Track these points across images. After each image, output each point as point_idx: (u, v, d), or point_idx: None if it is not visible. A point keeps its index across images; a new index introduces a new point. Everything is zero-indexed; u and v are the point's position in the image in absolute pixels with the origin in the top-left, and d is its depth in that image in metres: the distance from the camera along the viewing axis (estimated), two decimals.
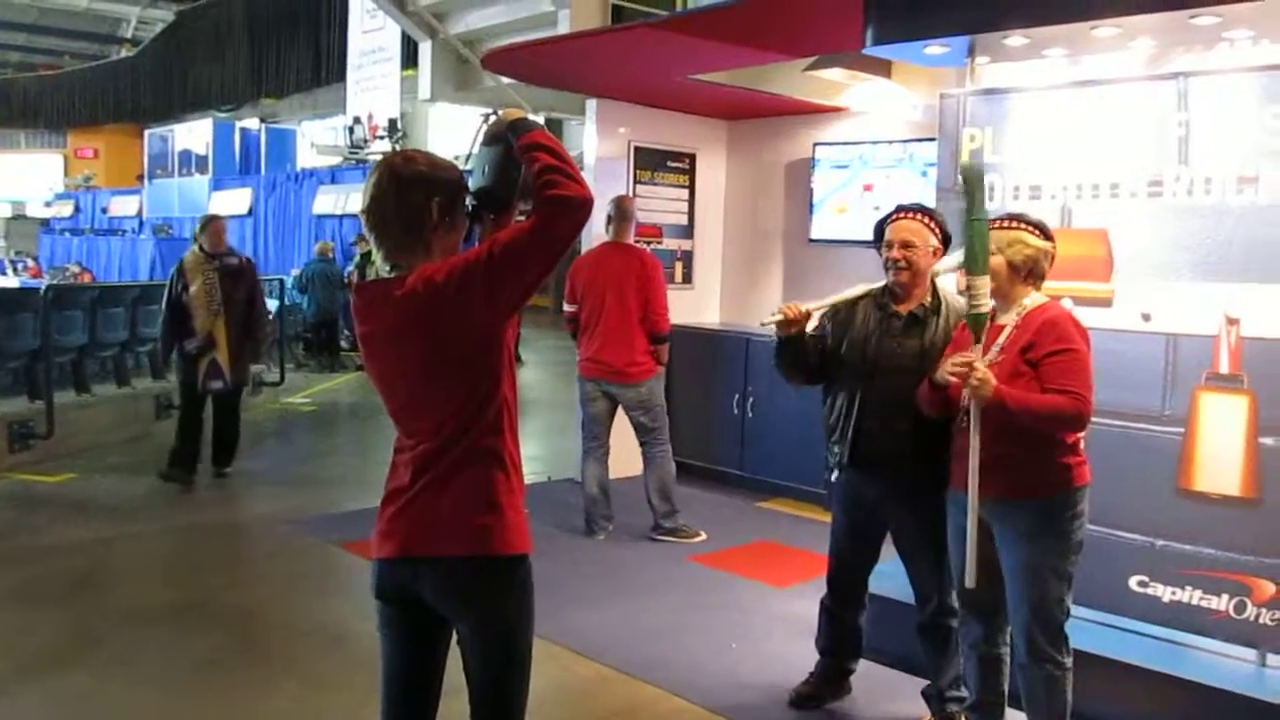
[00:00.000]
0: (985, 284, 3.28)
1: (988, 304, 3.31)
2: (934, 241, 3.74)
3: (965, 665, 3.69)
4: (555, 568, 5.59)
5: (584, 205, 2.16)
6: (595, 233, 6.82)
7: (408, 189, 2.26)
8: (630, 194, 7.62)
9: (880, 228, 3.84)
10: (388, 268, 2.30)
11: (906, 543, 3.84)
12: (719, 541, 6.23)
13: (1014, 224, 3.40)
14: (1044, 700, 3.41)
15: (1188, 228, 3.89)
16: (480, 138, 2.36)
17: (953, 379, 3.34)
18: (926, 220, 3.76)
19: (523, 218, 2.24)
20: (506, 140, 2.28)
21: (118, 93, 28.93)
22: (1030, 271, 3.37)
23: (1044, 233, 3.40)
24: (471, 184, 2.36)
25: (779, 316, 3.74)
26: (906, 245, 3.71)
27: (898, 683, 4.22)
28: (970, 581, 3.37)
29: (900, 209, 3.81)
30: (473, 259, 2.18)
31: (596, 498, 6.31)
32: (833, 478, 3.87)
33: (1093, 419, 3.33)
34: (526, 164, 2.21)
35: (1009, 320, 3.38)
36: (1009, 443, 3.30)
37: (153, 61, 27.48)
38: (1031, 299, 3.38)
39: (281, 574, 5.63)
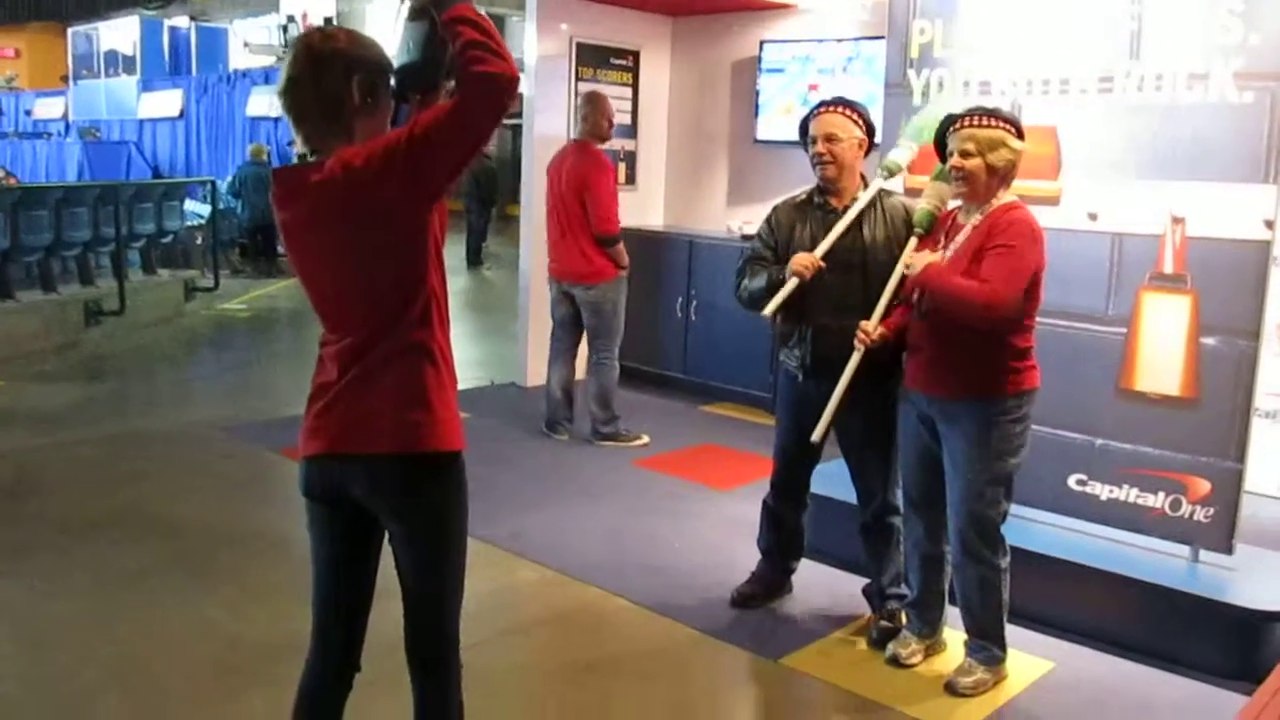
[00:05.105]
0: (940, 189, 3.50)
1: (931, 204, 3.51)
2: (857, 133, 3.72)
3: (907, 563, 3.71)
4: (497, 471, 5.55)
5: (509, 83, 2.03)
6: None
7: (326, 68, 2.11)
8: (572, 92, 7.44)
9: (805, 124, 3.80)
10: (307, 152, 2.17)
11: (853, 441, 3.83)
12: (662, 445, 6.21)
13: (995, 123, 3.28)
14: (978, 600, 3.46)
15: (1137, 125, 3.84)
16: (404, 13, 2.21)
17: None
18: (848, 112, 3.72)
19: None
20: (431, 15, 2.13)
21: None
22: (1006, 175, 3.30)
23: (1019, 132, 3.31)
24: (395, 62, 2.22)
25: (802, 276, 3.60)
26: (830, 139, 3.68)
27: (839, 581, 4.26)
28: (816, 438, 3.54)
29: (822, 103, 3.79)
30: (392, 141, 2.05)
31: (559, 400, 6.31)
32: (798, 380, 3.82)
33: (1038, 319, 3.32)
34: (451, 39, 2.06)
35: (970, 221, 3.34)
36: (953, 343, 3.29)
37: None
38: (997, 200, 3.32)
39: (217, 481, 5.52)
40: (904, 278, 3.46)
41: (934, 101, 4.14)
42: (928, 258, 3.31)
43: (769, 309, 3.63)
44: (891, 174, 3.74)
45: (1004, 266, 3.18)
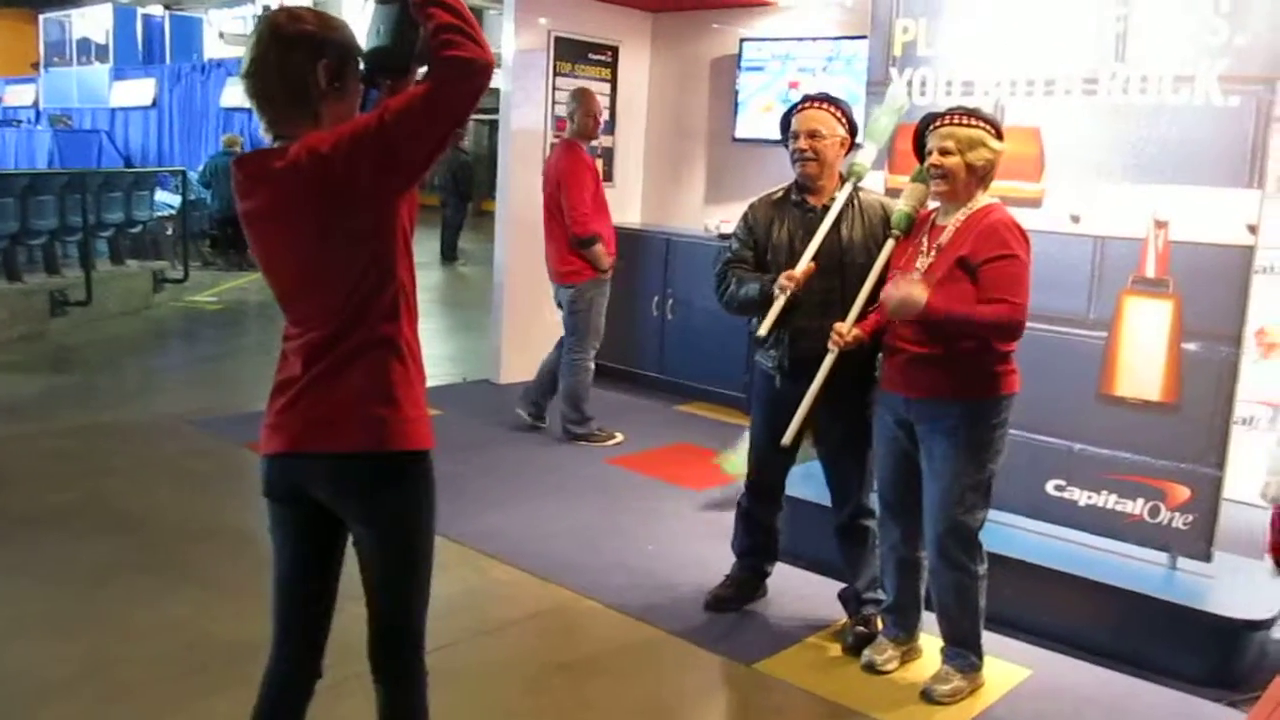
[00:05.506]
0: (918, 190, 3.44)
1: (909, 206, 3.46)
2: (841, 131, 3.69)
3: (883, 567, 3.67)
4: (468, 470, 5.48)
5: (484, 68, 1.94)
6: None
7: (291, 50, 2.02)
8: (550, 87, 7.37)
9: (786, 119, 3.76)
10: (271, 138, 2.08)
11: (830, 444, 3.78)
12: (637, 444, 6.15)
13: (975, 122, 3.24)
14: (955, 606, 3.42)
15: (1121, 127, 3.80)
16: None
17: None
18: (832, 109, 3.70)
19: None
20: None
21: None
22: (985, 176, 3.27)
23: (999, 132, 3.27)
24: (365, 45, 2.13)
25: (787, 292, 3.53)
26: (813, 135, 3.65)
27: (814, 585, 4.20)
28: (786, 441, 3.47)
29: (806, 98, 3.75)
30: (360, 127, 1.96)
31: (542, 380, 6.27)
32: (775, 381, 3.76)
33: None
34: (423, 22, 1.98)
35: (950, 222, 3.28)
36: (938, 344, 3.24)
37: None
38: (975, 201, 3.28)
39: (184, 476, 5.41)
40: (882, 279, 3.41)
41: (884, 101, 4.04)
42: (914, 289, 3.17)
43: (763, 330, 3.57)
44: (860, 178, 3.69)
45: (1012, 277, 3.14)
